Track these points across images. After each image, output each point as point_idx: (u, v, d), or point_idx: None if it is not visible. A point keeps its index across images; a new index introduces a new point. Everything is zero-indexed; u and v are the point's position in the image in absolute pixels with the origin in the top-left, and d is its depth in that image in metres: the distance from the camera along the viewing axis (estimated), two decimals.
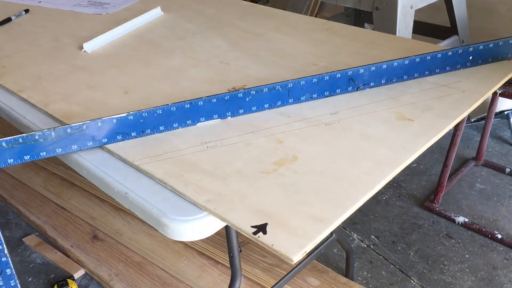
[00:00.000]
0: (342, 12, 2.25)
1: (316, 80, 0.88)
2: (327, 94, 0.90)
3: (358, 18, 2.25)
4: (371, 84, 0.92)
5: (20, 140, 0.75)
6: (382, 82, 0.92)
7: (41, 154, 0.77)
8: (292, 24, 1.26)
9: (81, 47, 1.19)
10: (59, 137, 0.78)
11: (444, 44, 1.90)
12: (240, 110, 0.86)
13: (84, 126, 0.79)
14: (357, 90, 0.91)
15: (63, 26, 1.36)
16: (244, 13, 1.35)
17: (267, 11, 1.36)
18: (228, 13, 1.36)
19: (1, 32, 1.35)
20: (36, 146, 0.76)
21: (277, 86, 0.87)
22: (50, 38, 1.28)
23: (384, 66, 0.91)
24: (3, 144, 0.74)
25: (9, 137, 0.75)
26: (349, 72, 0.90)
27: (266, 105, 0.87)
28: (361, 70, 0.90)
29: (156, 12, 1.37)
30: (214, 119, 0.86)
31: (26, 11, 1.48)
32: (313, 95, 0.89)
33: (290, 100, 0.88)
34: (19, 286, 0.80)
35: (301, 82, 0.88)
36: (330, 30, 1.20)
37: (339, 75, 0.89)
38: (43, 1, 1.57)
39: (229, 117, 0.86)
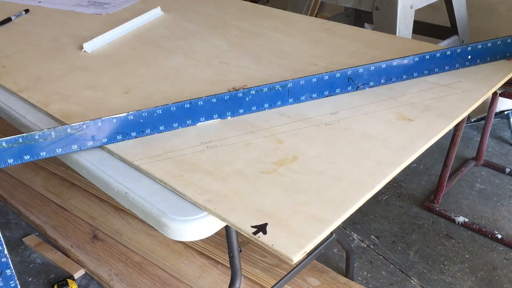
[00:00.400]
0: (342, 12, 2.25)
1: (315, 79, 0.88)
2: (327, 93, 0.90)
3: (358, 18, 2.25)
4: (371, 83, 0.92)
5: (20, 140, 0.75)
6: (382, 81, 0.92)
7: (41, 154, 0.77)
8: (292, 24, 1.26)
9: (81, 47, 1.19)
10: (59, 136, 0.78)
11: (444, 44, 1.90)
12: (240, 110, 0.86)
13: (84, 126, 0.79)
14: (356, 89, 0.91)
15: (63, 26, 1.36)
16: (244, 13, 1.35)
17: (267, 11, 1.36)
18: (228, 13, 1.36)
19: (1, 32, 1.35)
20: (36, 146, 0.76)
21: (276, 86, 0.87)
22: (50, 38, 1.28)
23: (383, 66, 0.91)
24: (3, 144, 0.74)
25: (9, 137, 0.75)
26: (348, 72, 0.90)
27: (266, 105, 0.87)
28: (361, 70, 0.90)
29: (156, 12, 1.37)
30: (214, 119, 0.86)
31: (26, 11, 1.48)
32: (313, 95, 0.89)
33: (290, 100, 0.88)
34: (19, 286, 0.80)
35: (301, 81, 0.88)
36: (330, 30, 1.20)
37: (339, 74, 0.89)
38: (43, 1, 1.57)
39: (229, 117, 0.86)
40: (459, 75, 0.95)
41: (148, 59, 1.13)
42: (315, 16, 2.60)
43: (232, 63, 1.07)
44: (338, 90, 0.91)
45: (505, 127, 2.26)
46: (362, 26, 2.18)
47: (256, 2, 2.67)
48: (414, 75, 0.94)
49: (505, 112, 2.12)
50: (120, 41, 1.24)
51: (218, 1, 1.46)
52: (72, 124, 0.78)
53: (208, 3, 1.45)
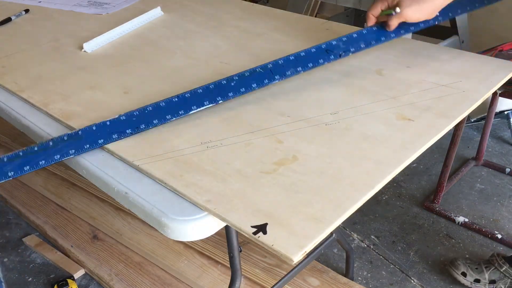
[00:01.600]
0: (342, 12, 2.25)
1: (293, 57, 0.92)
2: (311, 65, 0.93)
3: (358, 18, 2.25)
4: (352, 49, 0.96)
5: (21, 154, 0.79)
6: (362, 46, 0.97)
7: (40, 163, 0.80)
8: (292, 24, 1.26)
9: (81, 47, 1.19)
10: (57, 145, 0.80)
11: (444, 44, 1.90)
12: (229, 94, 0.88)
13: (80, 132, 0.81)
14: (340, 57, 0.95)
15: (63, 26, 1.36)
16: (244, 13, 1.35)
17: (267, 11, 1.36)
18: (228, 13, 1.36)
19: (1, 32, 1.35)
20: (35, 156, 0.79)
21: (257, 69, 0.90)
22: (50, 38, 1.28)
23: (355, 35, 0.97)
24: (5, 159, 0.78)
25: (10, 153, 0.79)
26: (323, 46, 0.94)
27: (254, 85, 0.90)
28: (334, 42, 0.95)
29: (156, 12, 1.37)
30: (205, 105, 0.86)
31: (26, 11, 1.48)
32: (298, 69, 0.92)
33: (276, 77, 0.91)
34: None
35: (280, 61, 0.92)
36: (330, 30, 1.20)
37: (314, 49, 0.94)
38: (43, 1, 1.57)
39: (220, 101, 0.88)
40: (459, 75, 0.95)
41: (148, 59, 1.13)
42: (315, 16, 2.60)
43: (232, 63, 1.07)
44: (321, 61, 0.94)
45: (505, 127, 2.26)
46: (362, 26, 2.17)
47: (256, 2, 2.67)
48: (382, 39, 0.99)
49: (505, 112, 2.12)
50: (120, 41, 1.24)
51: (218, 1, 1.46)
52: (68, 133, 0.81)
53: (208, 3, 1.45)
